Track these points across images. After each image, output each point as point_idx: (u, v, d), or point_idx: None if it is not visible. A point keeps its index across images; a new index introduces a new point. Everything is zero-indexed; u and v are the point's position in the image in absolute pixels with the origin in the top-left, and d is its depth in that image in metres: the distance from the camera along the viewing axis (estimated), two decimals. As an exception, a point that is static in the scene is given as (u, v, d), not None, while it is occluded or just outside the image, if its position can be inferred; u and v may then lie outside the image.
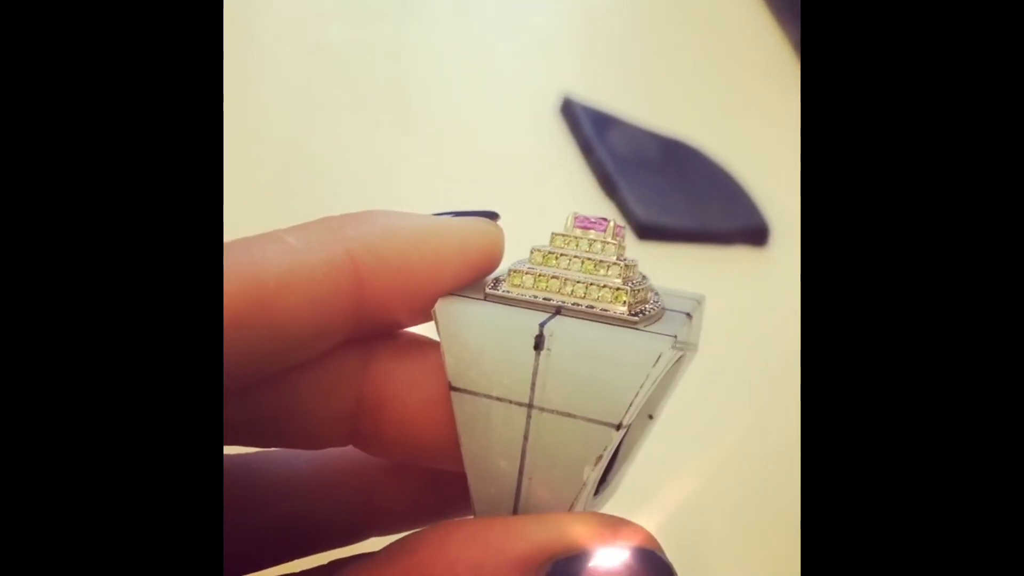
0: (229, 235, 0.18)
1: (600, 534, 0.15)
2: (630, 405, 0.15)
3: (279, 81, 0.49)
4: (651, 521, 0.33)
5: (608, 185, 0.46)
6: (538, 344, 0.15)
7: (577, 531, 0.14)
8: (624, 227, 0.18)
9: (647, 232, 0.44)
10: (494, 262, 0.18)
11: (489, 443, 0.16)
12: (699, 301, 0.18)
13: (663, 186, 0.47)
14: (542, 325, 0.15)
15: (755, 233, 0.46)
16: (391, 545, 0.16)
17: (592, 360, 0.15)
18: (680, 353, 0.16)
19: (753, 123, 0.54)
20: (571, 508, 0.16)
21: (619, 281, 0.16)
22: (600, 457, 0.15)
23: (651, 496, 0.34)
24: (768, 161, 0.50)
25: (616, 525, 0.15)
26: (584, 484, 0.15)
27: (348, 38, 0.53)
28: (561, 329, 0.15)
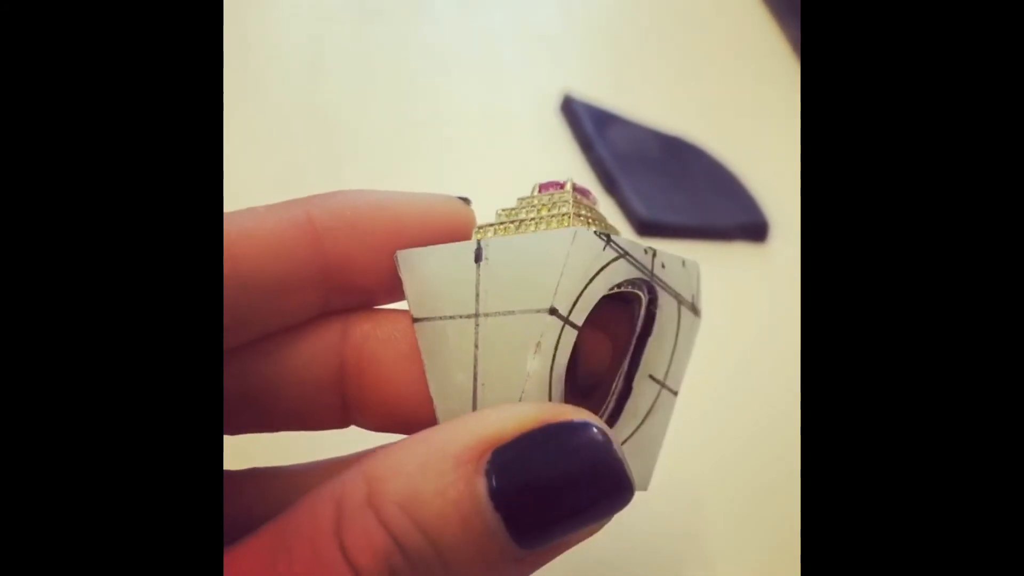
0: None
1: (539, 419, 0.15)
2: (557, 287, 0.16)
3: (280, 80, 0.49)
4: (651, 521, 0.33)
5: (608, 182, 0.46)
6: (477, 257, 0.17)
7: (516, 420, 0.15)
8: (589, 191, 0.20)
9: (647, 229, 0.44)
10: (460, 234, 0.19)
11: (447, 362, 0.17)
12: (684, 261, 0.20)
13: (663, 183, 0.47)
14: (480, 240, 0.17)
15: (755, 229, 0.46)
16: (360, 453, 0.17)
17: (522, 258, 0.16)
18: (615, 255, 0.17)
19: (752, 120, 0.54)
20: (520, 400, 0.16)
21: (568, 210, 0.18)
22: (539, 344, 0.16)
23: (652, 494, 0.34)
24: (768, 157, 0.50)
25: (557, 408, 0.15)
26: (528, 375, 0.16)
27: (350, 36, 0.53)
28: (497, 241, 0.17)
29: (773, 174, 0.49)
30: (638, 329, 0.18)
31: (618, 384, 0.18)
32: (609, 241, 0.17)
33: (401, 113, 0.49)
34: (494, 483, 0.14)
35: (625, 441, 0.18)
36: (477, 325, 0.17)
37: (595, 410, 0.18)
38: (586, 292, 0.16)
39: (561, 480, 0.14)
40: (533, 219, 0.18)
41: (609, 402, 0.18)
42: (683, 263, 0.19)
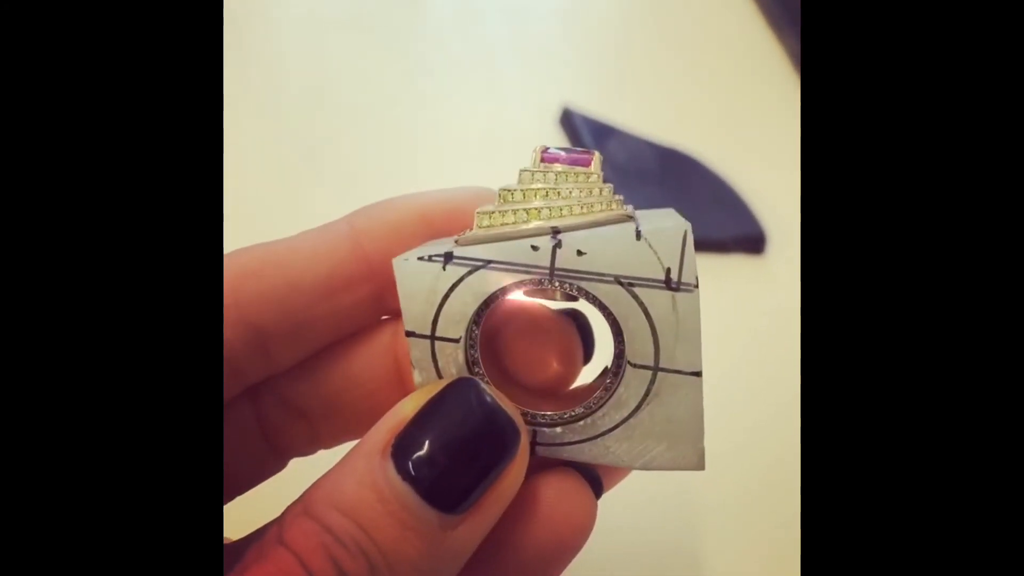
0: (229, 242, 0.18)
1: (429, 394, 0.17)
2: (405, 313, 0.18)
3: (281, 91, 0.50)
4: (652, 521, 0.33)
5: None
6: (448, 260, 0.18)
7: (412, 402, 0.17)
8: (571, 154, 0.19)
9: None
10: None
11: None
12: (639, 232, 0.18)
13: (661, 195, 0.47)
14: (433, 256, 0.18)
15: (752, 241, 0.47)
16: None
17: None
18: (467, 270, 0.18)
19: (749, 132, 0.54)
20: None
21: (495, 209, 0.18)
22: (415, 361, 0.18)
23: (653, 497, 0.34)
24: (764, 169, 0.51)
25: (442, 382, 0.18)
26: (418, 386, 0.18)
27: (351, 49, 0.53)
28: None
29: (770, 186, 0.50)
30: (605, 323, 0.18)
31: (608, 379, 0.19)
32: (449, 260, 0.18)
33: (401, 126, 0.49)
34: (400, 460, 0.16)
35: (614, 428, 0.19)
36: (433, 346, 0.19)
37: (567, 407, 0.19)
38: (445, 310, 0.18)
39: (450, 438, 0.16)
40: (498, 211, 0.18)
41: (597, 396, 0.19)
42: (637, 236, 0.18)
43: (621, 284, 0.18)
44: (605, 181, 0.19)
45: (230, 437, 0.21)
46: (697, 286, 0.17)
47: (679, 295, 0.17)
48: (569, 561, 0.19)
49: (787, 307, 0.41)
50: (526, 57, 0.56)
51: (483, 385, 0.17)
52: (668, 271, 0.17)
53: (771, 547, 0.34)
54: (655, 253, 0.17)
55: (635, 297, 0.18)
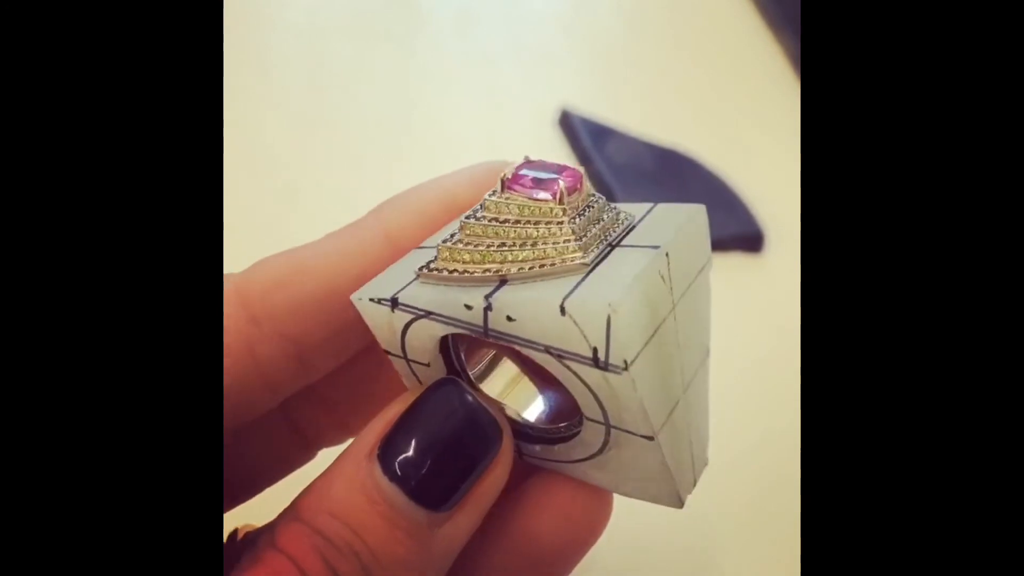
0: (229, 248, 0.18)
1: (413, 395, 0.18)
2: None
3: (281, 98, 0.50)
4: (652, 520, 0.33)
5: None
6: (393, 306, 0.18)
7: (398, 405, 0.18)
8: (581, 172, 0.17)
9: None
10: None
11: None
12: (567, 304, 0.16)
13: (660, 195, 0.47)
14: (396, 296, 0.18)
15: (750, 240, 0.47)
16: None
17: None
18: (412, 316, 0.17)
19: (747, 131, 0.54)
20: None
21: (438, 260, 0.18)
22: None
23: (651, 507, 0.34)
24: (762, 169, 0.51)
25: (426, 384, 0.18)
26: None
27: (349, 56, 0.53)
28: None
29: (768, 185, 0.50)
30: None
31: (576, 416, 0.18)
32: (395, 306, 0.17)
33: (400, 129, 0.49)
34: (387, 461, 0.16)
35: (586, 460, 0.18)
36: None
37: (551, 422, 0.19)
38: (409, 341, 0.18)
39: (434, 438, 0.17)
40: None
41: (568, 426, 0.18)
42: (562, 311, 0.15)
43: (551, 354, 0.16)
44: (603, 188, 0.18)
45: (259, 429, 0.21)
46: (627, 368, 0.15)
47: (609, 375, 0.15)
48: (585, 553, 0.19)
49: (785, 305, 0.41)
50: (524, 59, 0.57)
51: (464, 386, 0.18)
52: (595, 350, 0.15)
53: (772, 546, 0.34)
54: (580, 330, 0.15)
55: (568, 368, 0.16)
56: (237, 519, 0.20)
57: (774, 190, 0.49)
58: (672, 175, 0.49)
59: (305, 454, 0.23)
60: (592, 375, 0.16)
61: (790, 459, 0.35)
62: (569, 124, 0.51)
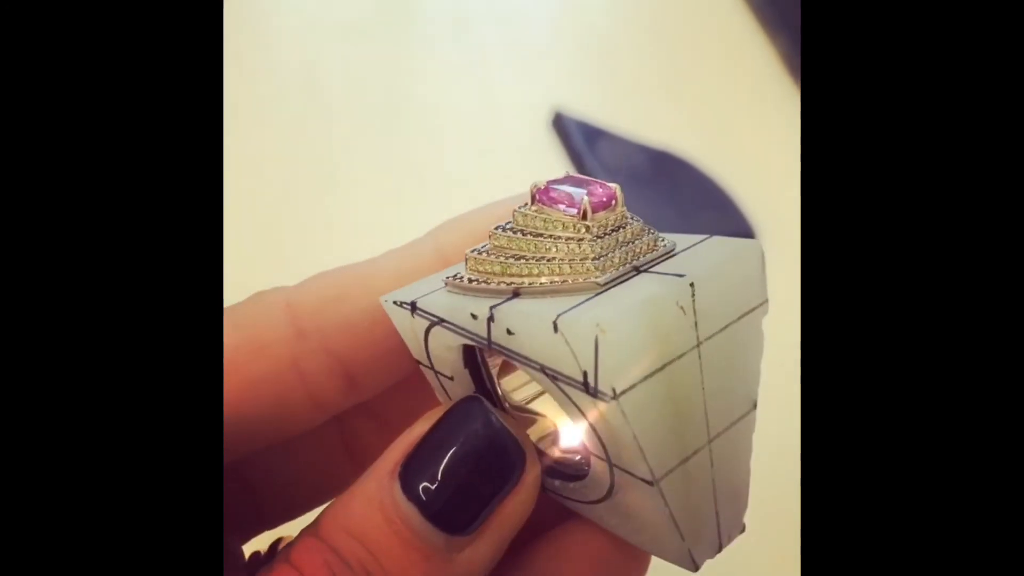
0: (229, 247, 0.18)
1: (436, 415, 0.17)
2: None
3: (278, 97, 0.50)
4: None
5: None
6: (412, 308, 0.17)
7: (422, 424, 0.17)
8: (614, 189, 0.17)
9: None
10: None
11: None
12: (565, 323, 0.15)
13: (652, 196, 0.48)
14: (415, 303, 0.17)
15: (743, 241, 0.47)
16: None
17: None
18: (430, 322, 0.17)
19: (740, 133, 0.55)
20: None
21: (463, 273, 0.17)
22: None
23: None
24: (755, 170, 0.51)
25: (449, 403, 0.17)
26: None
27: (344, 55, 0.53)
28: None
29: (761, 186, 0.50)
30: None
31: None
32: (414, 310, 0.17)
33: (395, 130, 0.49)
34: (408, 481, 0.16)
35: (598, 502, 0.17)
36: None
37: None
38: (432, 350, 0.17)
39: (455, 460, 0.16)
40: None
41: (581, 461, 0.17)
42: (554, 327, 0.14)
43: (546, 375, 0.15)
44: (632, 215, 0.17)
45: (311, 445, 0.21)
46: (615, 397, 0.14)
47: (599, 403, 0.14)
48: None
49: (781, 304, 0.41)
50: (518, 61, 0.57)
51: (488, 405, 0.17)
52: (585, 374, 0.14)
53: (772, 546, 0.34)
54: (571, 350, 0.14)
55: (562, 391, 0.15)
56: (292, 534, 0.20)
57: (767, 191, 0.49)
58: (665, 176, 0.50)
59: (359, 472, 0.22)
60: (586, 402, 0.15)
61: (790, 459, 0.35)
62: (562, 126, 0.51)
